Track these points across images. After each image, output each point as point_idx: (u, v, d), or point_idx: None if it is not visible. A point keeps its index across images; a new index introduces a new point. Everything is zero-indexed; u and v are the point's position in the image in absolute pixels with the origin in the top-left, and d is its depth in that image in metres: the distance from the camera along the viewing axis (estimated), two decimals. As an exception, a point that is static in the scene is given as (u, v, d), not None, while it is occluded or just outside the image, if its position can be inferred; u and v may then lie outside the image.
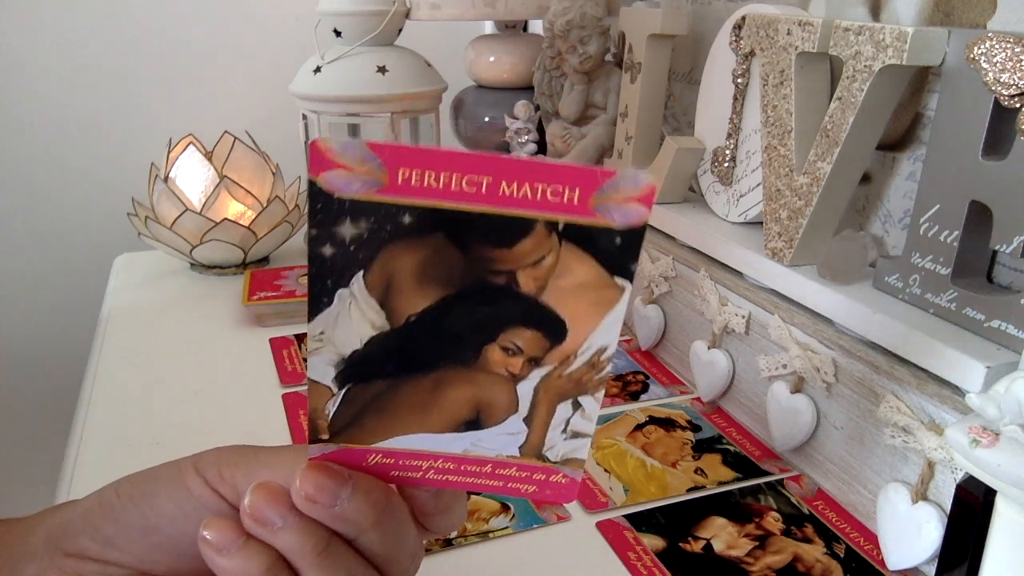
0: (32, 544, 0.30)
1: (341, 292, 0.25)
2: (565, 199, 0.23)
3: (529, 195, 0.23)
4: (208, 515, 0.28)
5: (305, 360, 0.69)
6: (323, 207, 0.23)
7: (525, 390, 0.27)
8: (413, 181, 0.23)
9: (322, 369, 0.27)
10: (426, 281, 0.25)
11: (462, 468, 0.29)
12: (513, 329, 0.26)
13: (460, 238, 0.24)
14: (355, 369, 0.27)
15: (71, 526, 0.30)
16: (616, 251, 0.24)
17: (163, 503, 0.29)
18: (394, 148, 0.23)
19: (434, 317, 0.26)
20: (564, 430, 0.28)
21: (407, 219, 0.24)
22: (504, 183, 0.23)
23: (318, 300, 0.25)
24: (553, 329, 0.26)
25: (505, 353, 0.27)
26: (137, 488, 0.30)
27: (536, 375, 0.27)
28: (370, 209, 0.23)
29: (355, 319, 0.26)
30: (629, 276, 0.25)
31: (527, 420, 0.28)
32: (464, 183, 0.23)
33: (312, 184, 0.23)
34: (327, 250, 0.24)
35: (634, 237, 0.24)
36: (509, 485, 0.29)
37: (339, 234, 0.24)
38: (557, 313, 0.26)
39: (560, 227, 0.24)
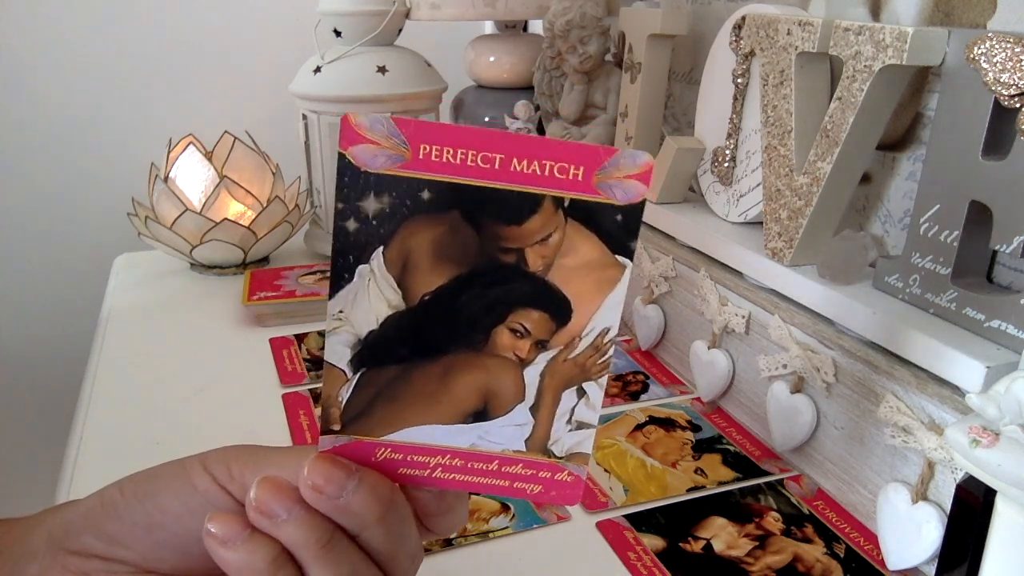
0: (33, 543, 0.30)
1: (361, 268, 0.26)
2: (570, 176, 0.25)
3: (538, 171, 0.25)
4: (209, 510, 0.28)
5: (305, 360, 0.69)
6: (350, 181, 0.25)
7: (532, 376, 0.28)
8: (433, 156, 0.25)
9: (339, 351, 0.27)
10: (441, 259, 0.26)
11: (469, 466, 0.29)
12: (522, 310, 0.27)
13: (474, 215, 0.26)
14: (370, 351, 0.27)
15: (74, 525, 0.30)
16: (617, 228, 0.26)
17: (168, 501, 0.29)
18: (417, 124, 0.24)
19: (447, 297, 0.27)
20: (569, 420, 0.29)
21: (426, 195, 0.25)
22: (515, 160, 0.25)
23: (340, 276, 0.26)
24: (559, 309, 0.27)
25: (513, 335, 0.28)
26: (141, 486, 0.30)
27: (542, 359, 0.28)
28: (393, 184, 0.25)
29: (373, 297, 0.27)
30: (630, 254, 0.26)
31: (533, 409, 0.29)
32: (479, 159, 0.25)
33: (341, 157, 0.24)
34: (351, 224, 0.26)
35: (634, 214, 0.26)
36: (515, 485, 0.30)
37: (363, 209, 0.25)
38: (563, 293, 0.27)
39: (566, 204, 0.25)
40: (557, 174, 0.25)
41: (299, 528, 0.27)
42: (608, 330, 0.27)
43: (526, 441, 0.29)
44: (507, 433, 0.29)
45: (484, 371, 0.28)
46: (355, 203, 0.25)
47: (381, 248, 0.26)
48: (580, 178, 0.25)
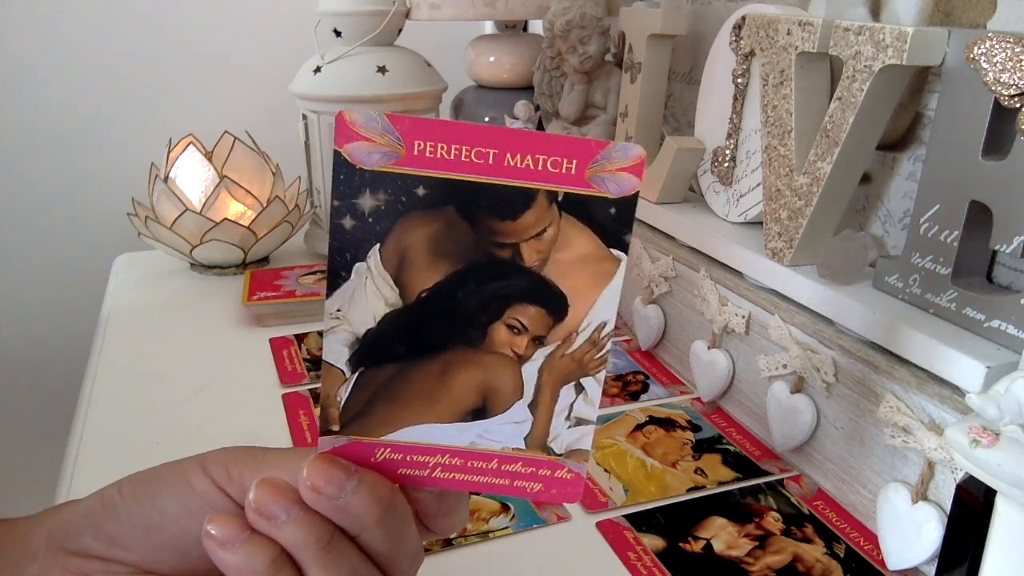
0: (33, 544, 0.30)
1: (358, 266, 0.26)
2: (564, 169, 0.25)
3: (531, 166, 0.25)
4: (208, 512, 0.28)
5: (305, 360, 0.69)
6: (345, 178, 0.25)
7: (529, 372, 0.28)
8: (427, 152, 0.25)
9: (337, 350, 0.27)
10: (437, 255, 0.26)
11: (469, 464, 0.29)
12: (518, 306, 0.27)
13: (469, 210, 0.26)
14: (368, 350, 0.27)
15: (73, 525, 0.30)
16: (611, 221, 0.26)
17: (166, 502, 0.29)
18: (411, 120, 0.24)
19: (444, 293, 0.27)
20: (568, 417, 0.29)
21: (421, 191, 0.25)
22: (508, 155, 0.25)
23: (337, 274, 0.26)
24: (556, 305, 0.27)
25: (511, 331, 0.28)
26: (140, 487, 0.30)
27: (540, 355, 0.28)
28: (388, 180, 0.25)
29: (370, 295, 0.27)
30: (625, 247, 0.26)
31: (532, 406, 0.29)
32: (473, 155, 0.25)
33: (336, 155, 0.25)
34: (348, 222, 0.26)
35: (627, 206, 0.26)
36: (515, 484, 0.30)
37: (359, 206, 0.25)
38: (559, 287, 0.27)
39: (560, 198, 0.26)
40: (550, 168, 0.25)
41: (298, 529, 0.27)
42: (605, 324, 0.28)
43: (525, 438, 0.29)
44: (506, 431, 0.29)
45: (482, 368, 0.28)
46: (351, 200, 0.25)
47: (378, 245, 0.26)
48: (573, 172, 0.25)
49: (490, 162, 0.25)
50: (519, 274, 0.27)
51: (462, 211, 0.26)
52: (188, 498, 0.29)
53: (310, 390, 0.64)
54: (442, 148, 0.25)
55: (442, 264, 0.26)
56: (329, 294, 0.26)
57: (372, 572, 0.28)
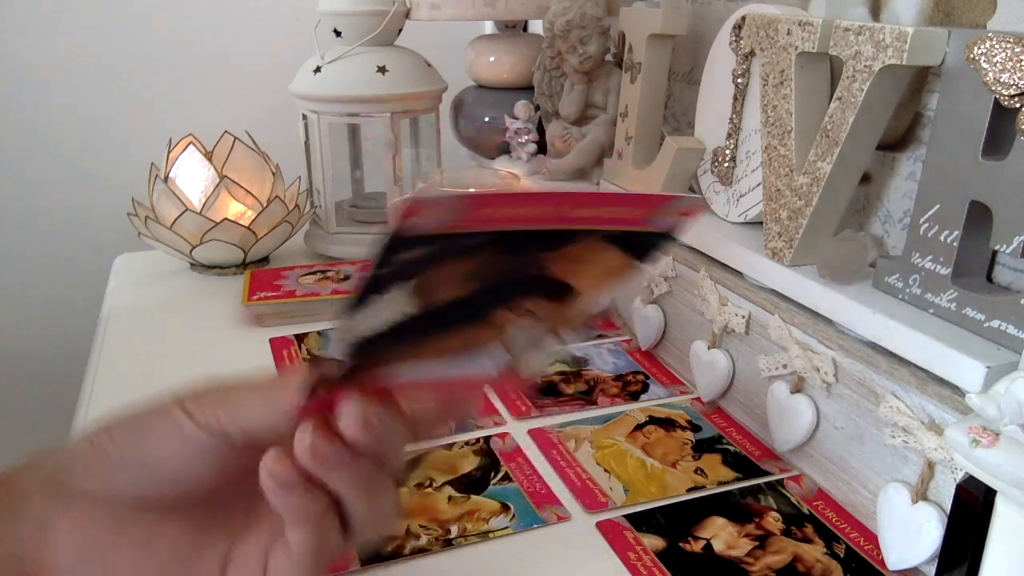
0: (29, 488, 0.31)
1: (384, 295, 0.25)
2: (627, 216, 0.25)
3: (594, 216, 0.24)
4: (201, 451, 0.29)
5: (305, 360, 0.69)
6: (391, 242, 0.23)
7: (519, 332, 0.29)
8: (490, 215, 0.23)
9: (340, 349, 0.27)
10: (468, 280, 0.26)
11: (439, 385, 0.30)
12: (528, 297, 0.27)
13: (515, 249, 0.25)
14: (370, 343, 0.27)
15: (69, 469, 0.31)
16: (650, 247, 0.26)
17: (156, 447, 0.30)
18: (487, 196, 0.22)
19: (463, 301, 0.26)
20: (538, 351, 0.30)
21: (470, 242, 0.24)
22: (575, 210, 0.24)
23: (361, 303, 0.25)
24: (564, 294, 0.28)
25: (511, 312, 0.28)
26: (131, 435, 0.30)
27: (532, 322, 0.28)
28: (438, 239, 0.23)
29: (388, 312, 0.26)
30: (651, 261, 0.27)
31: (510, 349, 0.29)
32: (537, 214, 0.23)
33: (391, 231, 0.22)
34: (383, 271, 0.24)
35: (671, 238, 0.26)
36: (473, 384, 0.31)
37: (399, 259, 0.24)
38: (572, 284, 0.27)
39: (612, 235, 0.25)
40: (615, 216, 0.24)
41: (350, 470, 0.28)
42: (604, 304, 0.28)
43: (497, 368, 0.30)
44: (481, 364, 0.29)
45: (475, 336, 0.28)
46: (392, 256, 0.23)
47: (408, 283, 0.25)
48: (634, 217, 0.25)
49: (556, 217, 0.23)
50: (541, 281, 0.27)
51: (507, 250, 0.25)
52: (178, 441, 0.29)
53: (310, 390, 0.64)
54: (508, 211, 0.23)
55: (470, 284, 0.26)
56: (347, 318, 0.25)
57: (392, 489, 0.30)
